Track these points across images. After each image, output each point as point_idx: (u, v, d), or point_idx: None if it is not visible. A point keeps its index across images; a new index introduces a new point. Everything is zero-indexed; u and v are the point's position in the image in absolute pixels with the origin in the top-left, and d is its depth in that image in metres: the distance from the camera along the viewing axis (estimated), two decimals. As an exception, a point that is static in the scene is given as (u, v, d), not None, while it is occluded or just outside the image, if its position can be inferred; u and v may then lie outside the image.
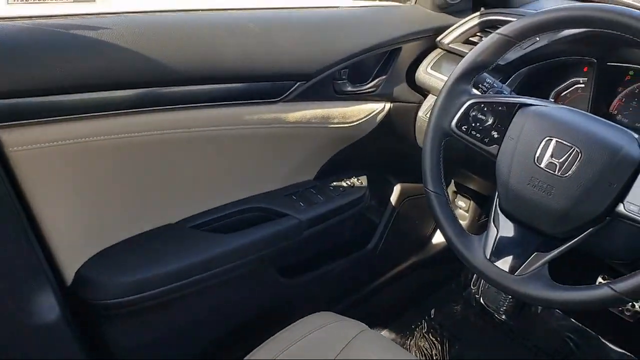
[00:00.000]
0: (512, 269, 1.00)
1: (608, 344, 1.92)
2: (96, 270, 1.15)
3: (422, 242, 2.05)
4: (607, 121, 1.01)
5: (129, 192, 1.18)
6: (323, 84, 1.36)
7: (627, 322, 1.85)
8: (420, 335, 1.99)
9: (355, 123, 1.46)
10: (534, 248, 1.00)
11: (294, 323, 1.18)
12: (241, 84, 1.24)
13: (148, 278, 1.17)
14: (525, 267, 0.99)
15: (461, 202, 2.00)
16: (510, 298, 2.05)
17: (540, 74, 1.39)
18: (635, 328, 1.84)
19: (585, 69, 1.37)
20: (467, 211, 1.99)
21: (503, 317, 2.05)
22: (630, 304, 1.80)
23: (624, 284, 0.89)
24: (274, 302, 1.56)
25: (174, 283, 1.21)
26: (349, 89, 1.43)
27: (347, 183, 1.59)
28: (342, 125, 1.44)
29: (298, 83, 1.31)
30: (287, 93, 1.31)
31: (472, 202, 1.94)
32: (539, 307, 2.05)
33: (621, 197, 0.91)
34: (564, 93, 1.40)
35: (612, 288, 0.89)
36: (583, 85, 1.37)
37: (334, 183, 1.57)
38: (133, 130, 1.11)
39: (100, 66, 1.01)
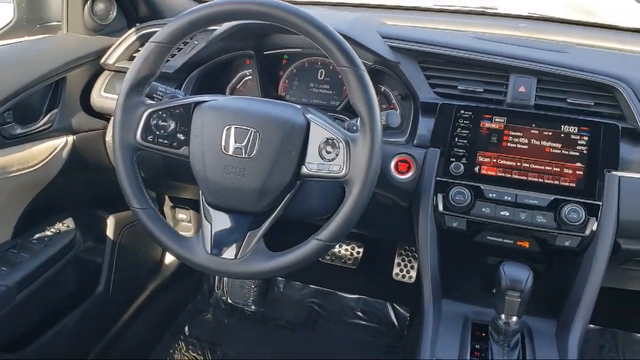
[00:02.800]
0: (235, 254, 1.05)
1: (345, 295, 2.16)
2: None
3: (155, 267, 2.01)
4: (274, 101, 1.13)
5: None
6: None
7: (350, 269, 2.11)
8: (181, 356, 1.95)
9: (38, 166, 1.35)
10: (247, 228, 1.06)
11: None
12: None
13: None
14: (244, 248, 1.04)
15: (182, 215, 2.01)
16: (254, 287, 2.15)
17: (211, 74, 1.48)
18: (358, 272, 2.11)
19: (248, 62, 1.49)
20: (189, 221, 2.01)
21: (253, 307, 2.15)
22: (349, 253, 2.06)
23: (325, 232, 1.01)
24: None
25: None
26: (19, 131, 1.31)
27: (51, 231, 1.46)
28: (24, 172, 1.31)
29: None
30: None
31: (191, 211, 1.97)
32: (281, 287, 2.21)
33: (301, 160, 1.03)
34: (238, 87, 1.52)
35: (317, 239, 1.01)
36: (250, 77, 1.50)
37: (37, 235, 1.43)
38: None
39: None
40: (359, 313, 2.11)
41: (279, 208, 1.06)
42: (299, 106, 1.09)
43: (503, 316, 1.07)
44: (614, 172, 1.14)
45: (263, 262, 1.03)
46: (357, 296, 2.15)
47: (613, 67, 1.23)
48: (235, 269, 1.04)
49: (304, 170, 1.03)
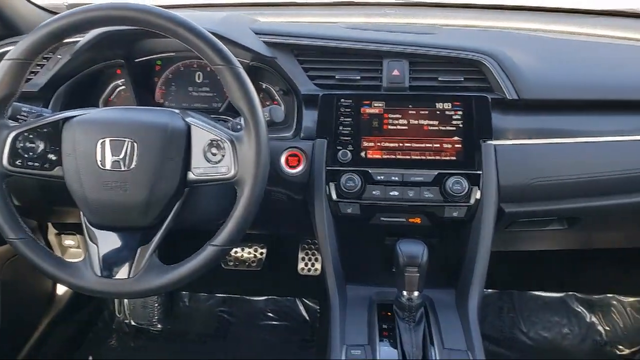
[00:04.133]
0: (128, 274, 0.99)
1: (254, 298, 2.13)
2: None
3: (47, 299, 1.87)
4: (149, 107, 1.08)
5: None
6: None
7: (256, 271, 2.09)
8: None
9: None
10: (137, 245, 1.01)
11: None
12: None
13: None
14: (136, 266, 1.00)
15: (69, 241, 1.88)
16: (158, 305, 2.07)
17: (80, 88, 1.39)
18: (264, 273, 2.09)
19: (119, 72, 1.42)
20: (78, 247, 1.89)
21: (159, 326, 2.07)
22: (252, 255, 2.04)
23: (220, 237, 0.98)
24: None
25: None
26: None
27: None
28: None
29: None
30: None
31: (78, 235, 1.85)
32: (186, 300, 2.14)
33: (186, 166, 0.99)
34: (111, 98, 1.44)
35: (212, 245, 0.98)
36: (124, 87, 1.43)
37: None
38: None
39: None
40: (270, 314, 2.10)
41: (168, 219, 1.02)
42: (177, 110, 1.05)
43: (405, 293, 1.10)
44: (489, 142, 1.20)
45: (159, 277, 0.99)
46: (265, 297, 2.14)
47: (478, 43, 1.30)
48: (131, 288, 0.99)
49: (191, 176, 1.00)
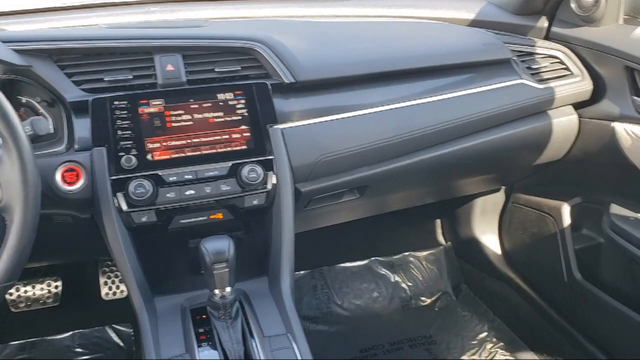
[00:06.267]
0: None
1: (57, 337, 1.91)
2: None
3: None
4: None
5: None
6: None
7: (54, 307, 1.88)
8: None
9: None
10: None
11: None
12: None
13: None
14: None
15: None
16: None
17: None
18: (64, 307, 1.89)
19: None
20: None
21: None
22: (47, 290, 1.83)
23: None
24: None
25: None
26: None
27: None
28: None
29: None
30: None
31: None
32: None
33: None
34: None
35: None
36: None
37: None
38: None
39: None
40: (78, 349, 1.90)
41: None
42: None
43: (217, 291, 1.06)
44: (275, 127, 1.22)
45: None
46: (70, 333, 1.93)
47: (248, 32, 1.30)
48: None
49: None
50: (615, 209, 1.54)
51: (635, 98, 1.42)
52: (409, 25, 1.59)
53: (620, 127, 1.44)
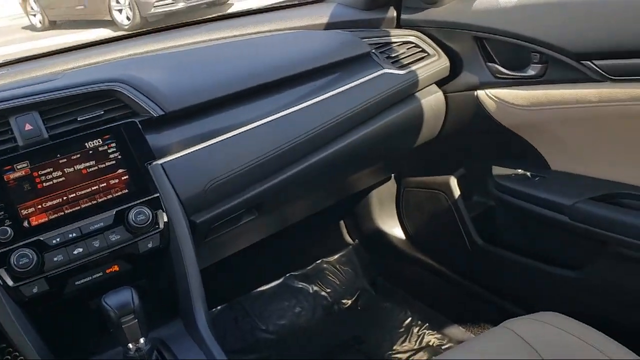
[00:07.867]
0: None
1: None
2: None
3: None
4: None
5: None
6: None
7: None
8: None
9: None
10: None
11: None
12: None
13: None
14: None
15: None
16: None
17: None
18: None
19: None
20: None
21: None
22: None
23: None
24: None
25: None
26: None
27: None
28: None
29: None
30: None
31: None
32: None
33: None
34: None
35: None
36: None
37: None
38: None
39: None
40: None
41: None
42: None
43: (131, 345, 1.01)
44: (155, 162, 1.18)
45: None
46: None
47: (105, 74, 1.25)
48: None
49: None
50: (498, 170, 1.64)
51: (490, 64, 1.53)
52: (269, 39, 1.61)
53: (482, 94, 1.55)
